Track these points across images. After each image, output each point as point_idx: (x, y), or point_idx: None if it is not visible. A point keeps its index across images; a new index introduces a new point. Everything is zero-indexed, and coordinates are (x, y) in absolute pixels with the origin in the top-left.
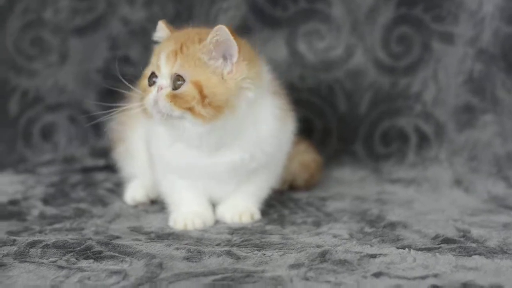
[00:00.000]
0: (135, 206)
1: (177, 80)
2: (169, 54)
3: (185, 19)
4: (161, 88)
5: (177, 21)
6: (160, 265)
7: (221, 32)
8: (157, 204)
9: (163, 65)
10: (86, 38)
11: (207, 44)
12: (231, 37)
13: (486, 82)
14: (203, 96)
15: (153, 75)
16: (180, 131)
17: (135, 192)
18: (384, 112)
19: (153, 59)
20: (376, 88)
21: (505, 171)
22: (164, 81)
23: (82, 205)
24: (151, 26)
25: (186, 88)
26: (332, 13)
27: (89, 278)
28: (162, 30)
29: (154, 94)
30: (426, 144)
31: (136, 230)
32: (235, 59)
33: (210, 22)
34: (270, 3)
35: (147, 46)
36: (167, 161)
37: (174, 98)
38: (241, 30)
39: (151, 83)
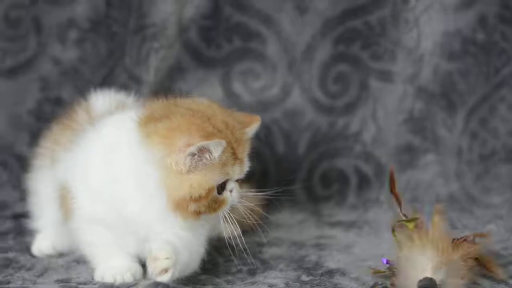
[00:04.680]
0: (62, 256)
1: None
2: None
3: (118, 57)
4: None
5: (110, 60)
6: None
7: None
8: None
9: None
10: (16, 80)
11: None
12: None
13: (427, 121)
14: None
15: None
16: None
17: (41, 244)
18: (323, 153)
19: (223, 169)
20: (314, 128)
21: (447, 212)
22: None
23: (11, 255)
24: (83, 66)
25: None
26: (267, 52)
27: None
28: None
29: (235, 195)
30: (367, 186)
31: (64, 282)
32: None
33: (141, 61)
34: (204, 42)
35: (79, 86)
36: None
37: None
38: (174, 71)
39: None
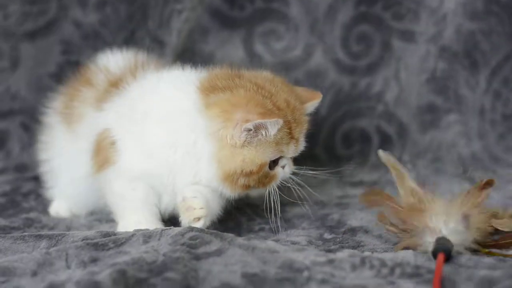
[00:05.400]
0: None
1: None
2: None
3: (139, 20)
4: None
5: (130, 23)
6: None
7: None
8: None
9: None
10: (38, 43)
11: None
12: None
13: (449, 80)
14: None
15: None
16: None
17: (58, 207)
18: (345, 113)
19: (277, 147)
20: (336, 88)
21: (470, 172)
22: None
23: (33, 215)
24: (104, 29)
25: None
26: (289, 13)
27: None
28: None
29: (287, 171)
30: (389, 146)
31: None
32: None
33: (163, 24)
34: (227, 3)
35: (99, 49)
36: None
37: None
38: (197, 33)
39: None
